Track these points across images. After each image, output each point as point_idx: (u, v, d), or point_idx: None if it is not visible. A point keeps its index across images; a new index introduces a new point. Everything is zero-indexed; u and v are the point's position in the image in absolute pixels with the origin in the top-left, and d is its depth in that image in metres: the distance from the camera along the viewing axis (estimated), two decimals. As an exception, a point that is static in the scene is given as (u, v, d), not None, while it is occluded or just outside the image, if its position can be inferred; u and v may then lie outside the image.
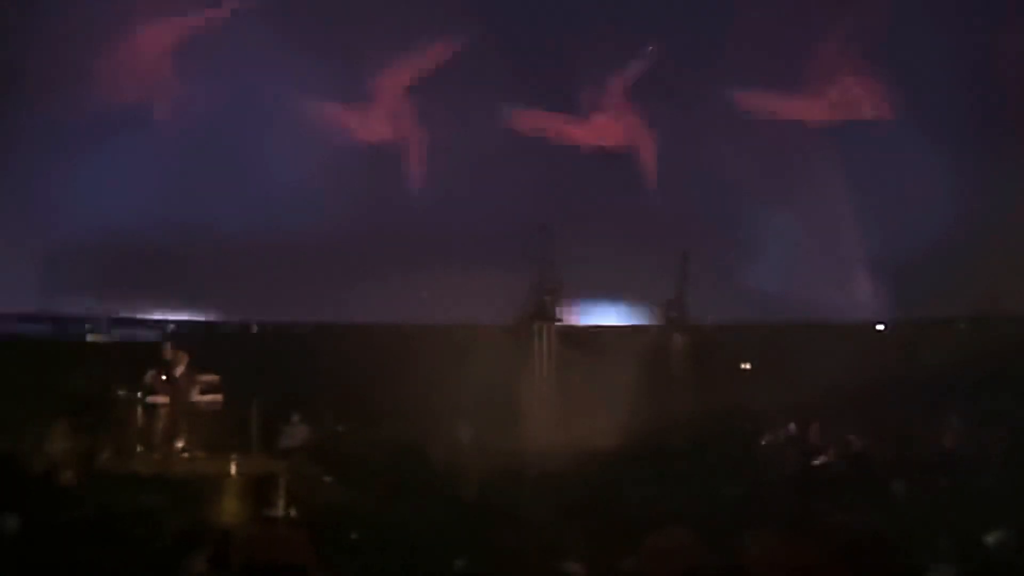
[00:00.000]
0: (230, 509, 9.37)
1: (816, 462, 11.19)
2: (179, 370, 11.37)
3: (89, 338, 13.04)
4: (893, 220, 13.58)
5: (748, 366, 14.55)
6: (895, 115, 14.12)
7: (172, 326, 13.31)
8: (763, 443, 12.01)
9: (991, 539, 6.37)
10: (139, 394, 11.18)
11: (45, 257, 12.88)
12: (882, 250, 13.71)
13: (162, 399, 11.18)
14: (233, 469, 10.50)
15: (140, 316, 13.55)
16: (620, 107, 14.68)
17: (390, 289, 13.48)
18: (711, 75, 13.80)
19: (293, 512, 9.91)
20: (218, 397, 11.58)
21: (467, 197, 13.90)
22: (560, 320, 13.58)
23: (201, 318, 13.94)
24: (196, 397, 11.39)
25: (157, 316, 13.56)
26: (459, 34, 13.99)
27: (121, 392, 11.30)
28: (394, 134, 14.56)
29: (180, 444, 11.22)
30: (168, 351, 11.43)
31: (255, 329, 14.74)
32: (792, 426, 12.14)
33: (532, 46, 14.05)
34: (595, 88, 14.67)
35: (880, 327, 14.64)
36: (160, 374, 11.26)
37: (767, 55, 13.77)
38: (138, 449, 11.05)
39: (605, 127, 14.72)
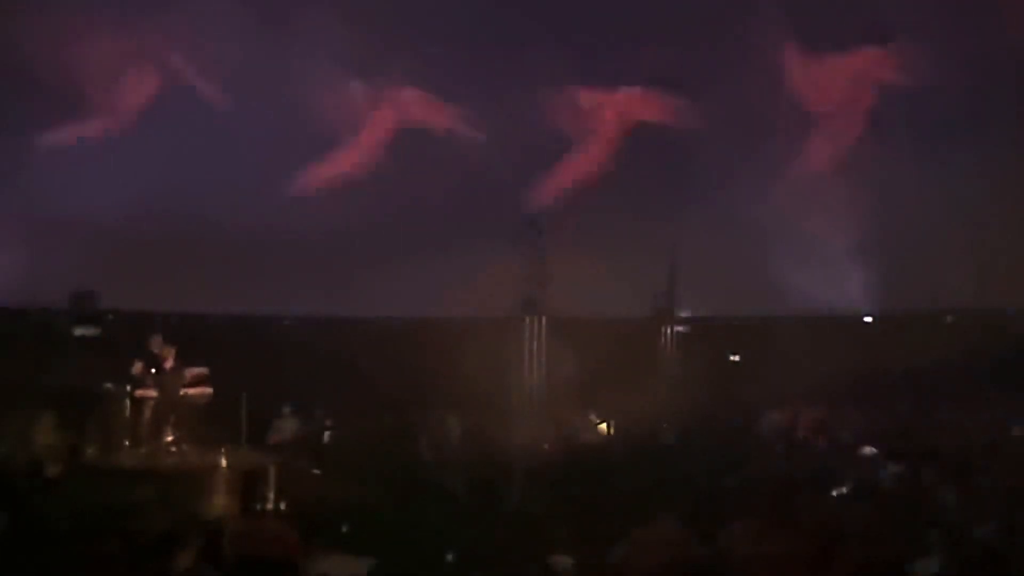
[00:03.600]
0: (220, 503, 9.35)
1: (804, 454, 11.24)
2: (168, 363, 11.29)
3: (76, 331, 12.94)
4: (882, 213, 13.63)
5: (737, 358, 14.60)
6: (887, 108, 14.17)
7: (160, 319, 13.24)
8: (752, 435, 12.06)
9: (978, 531, 6.42)
10: (127, 387, 11.10)
11: (32, 250, 12.79)
12: (871, 243, 13.76)
13: (150, 392, 11.11)
14: (223, 463, 10.46)
15: (128, 309, 13.48)
16: (612, 101, 14.69)
17: (381, 283, 13.46)
18: (705, 69, 13.81)
19: (283, 506, 9.90)
20: (207, 390, 11.52)
21: (458, 191, 13.88)
22: (550, 313, 13.58)
23: (190, 311, 13.88)
24: (185, 390, 11.32)
25: (145, 309, 13.49)
26: (451, 28, 13.97)
27: (109, 386, 11.22)
28: (386, 130, 14.55)
29: (169, 438, 11.15)
30: (156, 344, 11.35)
31: (245, 322, 14.70)
32: (781, 418, 12.19)
33: (523, 40, 14.05)
34: (588, 83, 14.68)
35: (868, 319, 14.71)
36: (148, 367, 11.18)
37: (762, 48, 13.78)
38: (126, 443, 10.98)
39: (597, 122, 14.73)
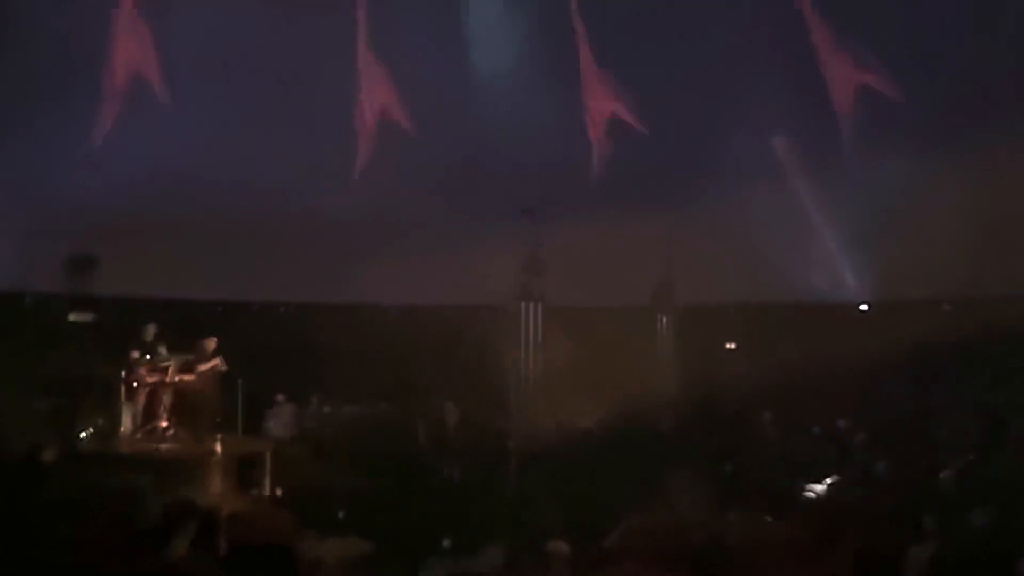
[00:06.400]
0: (215, 489, 9.35)
1: (800, 442, 11.27)
2: (163, 349, 11.28)
3: (71, 317, 12.90)
4: (877, 201, 13.61)
5: (733, 346, 14.61)
6: (882, 97, 14.13)
7: (156, 305, 13.21)
8: (747, 423, 12.08)
9: (972, 518, 6.43)
10: (123, 373, 11.09)
11: (25, 234, 12.73)
12: (866, 231, 13.76)
13: (146, 379, 11.10)
14: (218, 449, 10.47)
15: (123, 295, 13.43)
16: (605, 89, 14.64)
17: (378, 269, 13.43)
18: (699, 57, 13.76)
19: (279, 491, 9.91)
20: (203, 377, 11.50)
21: (455, 179, 13.84)
22: (546, 301, 13.57)
23: (186, 297, 13.85)
24: (181, 377, 11.32)
25: (141, 295, 13.45)
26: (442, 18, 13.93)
27: (104, 372, 11.21)
28: (383, 116, 14.49)
29: (164, 424, 11.15)
30: (152, 330, 11.33)
31: (241, 308, 14.67)
32: (776, 406, 12.20)
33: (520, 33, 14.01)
34: (580, 70, 14.63)
35: (863, 307, 14.73)
36: (144, 353, 11.16)
37: (757, 35, 13.74)
38: (122, 429, 10.98)
39: (590, 109, 14.69)
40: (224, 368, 11.19)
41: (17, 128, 12.83)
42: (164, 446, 10.70)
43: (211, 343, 11.23)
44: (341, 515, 7.78)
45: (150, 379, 11.07)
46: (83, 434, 10.72)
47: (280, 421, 12.33)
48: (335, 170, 13.79)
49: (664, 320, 14.07)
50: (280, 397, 12.50)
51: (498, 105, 13.43)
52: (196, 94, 13.44)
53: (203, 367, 11.09)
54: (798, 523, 5.66)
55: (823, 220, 13.92)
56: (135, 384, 11.04)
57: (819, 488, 7.87)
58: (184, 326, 11.89)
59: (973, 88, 13.27)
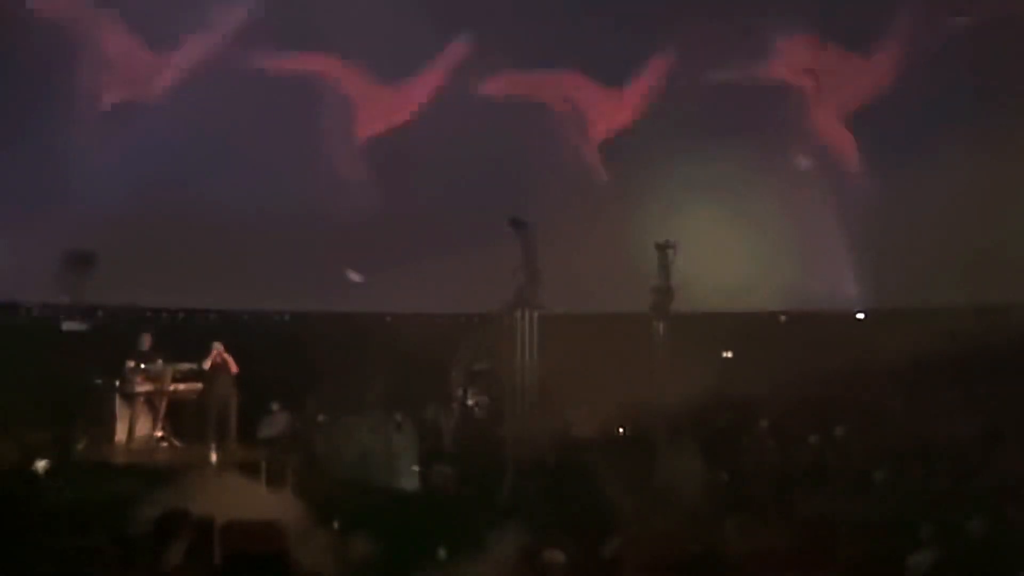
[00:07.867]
0: (210, 498, 9.28)
1: (796, 449, 11.25)
2: (158, 359, 11.24)
3: (65, 327, 12.86)
4: (873, 209, 13.66)
5: (730, 355, 14.60)
6: (881, 103, 14.19)
7: (151, 314, 13.19)
8: (744, 431, 12.06)
9: (969, 525, 6.42)
10: (117, 383, 11.05)
11: (21, 245, 12.70)
12: (862, 239, 13.79)
13: (141, 388, 11.05)
14: (213, 458, 10.43)
15: (118, 304, 13.40)
16: (602, 91, 14.70)
17: (372, 278, 13.44)
18: (698, 58, 13.81)
19: (274, 500, 9.83)
20: (197, 386, 11.47)
21: (448, 187, 13.86)
22: (542, 308, 13.55)
23: (180, 306, 13.83)
24: (175, 386, 11.27)
25: (135, 304, 13.42)
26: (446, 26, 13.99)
27: (99, 381, 11.17)
28: (376, 123, 14.53)
29: (159, 433, 11.11)
30: (147, 339, 11.30)
31: (235, 317, 14.65)
32: (773, 414, 12.19)
33: (515, 35, 14.06)
34: (577, 71, 14.68)
35: (860, 316, 14.75)
36: (139, 363, 11.12)
37: (757, 36, 13.81)
38: (116, 439, 10.93)
39: (589, 112, 14.73)
40: (235, 369, 11.13)
41: (13, 135, 12.82)
42: (159, 455, 10.66)
43: (217, 346, 11.21)
44: (337, 524, 7.74)
45: (145, 388, 11.02)
46: (78, 444, 10.67)
47: (275, 429, 12.28)
48: (331, 180, 13.80)
49: (661, 328, 14.04)
50: (275, 405, 12.45)
51: (493, 114, 13.47)
52: (194, 99, 13.46)
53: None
54: (798, 531, 5.64)
55: (821, 229, 13.95)
56: (130, 393, 11.00)
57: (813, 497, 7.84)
58: (178, 335, 11.86)
59: (980, 94, 13.34)
